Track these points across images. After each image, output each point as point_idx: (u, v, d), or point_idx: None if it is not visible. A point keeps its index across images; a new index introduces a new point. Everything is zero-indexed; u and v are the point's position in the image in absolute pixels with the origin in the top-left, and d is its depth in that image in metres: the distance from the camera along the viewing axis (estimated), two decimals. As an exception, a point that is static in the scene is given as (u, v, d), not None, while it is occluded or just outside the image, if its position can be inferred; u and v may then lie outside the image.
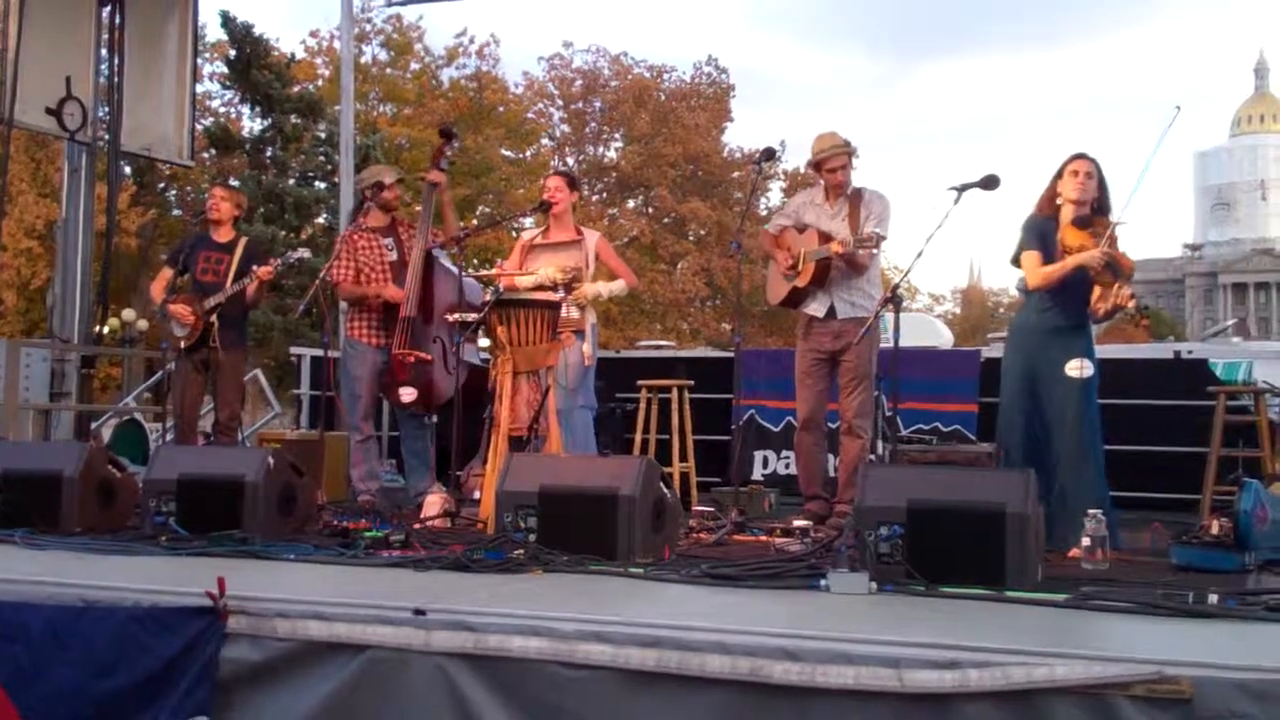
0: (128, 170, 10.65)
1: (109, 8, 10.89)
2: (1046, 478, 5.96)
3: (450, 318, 7.57)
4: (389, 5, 13.51)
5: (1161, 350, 10.38)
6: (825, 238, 7.43)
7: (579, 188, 8.64)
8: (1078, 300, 6.41)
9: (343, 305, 8.81)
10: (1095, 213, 6.40)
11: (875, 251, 7.45)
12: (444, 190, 8.35)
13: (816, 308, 7.55)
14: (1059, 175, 6.48)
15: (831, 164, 7.56)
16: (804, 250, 7.51)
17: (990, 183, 6.60)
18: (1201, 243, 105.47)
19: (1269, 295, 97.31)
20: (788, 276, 7.61)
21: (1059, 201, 6.43)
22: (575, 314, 7.82)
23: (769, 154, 8.38)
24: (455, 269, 8.16)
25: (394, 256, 8.26)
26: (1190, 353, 9.88)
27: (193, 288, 8.37)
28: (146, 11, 11.20)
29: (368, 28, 36.48)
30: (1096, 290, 6.32)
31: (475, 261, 27.31)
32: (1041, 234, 6.49)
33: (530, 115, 43.44)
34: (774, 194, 43.41)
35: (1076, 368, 6.29)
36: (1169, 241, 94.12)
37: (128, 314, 25.89)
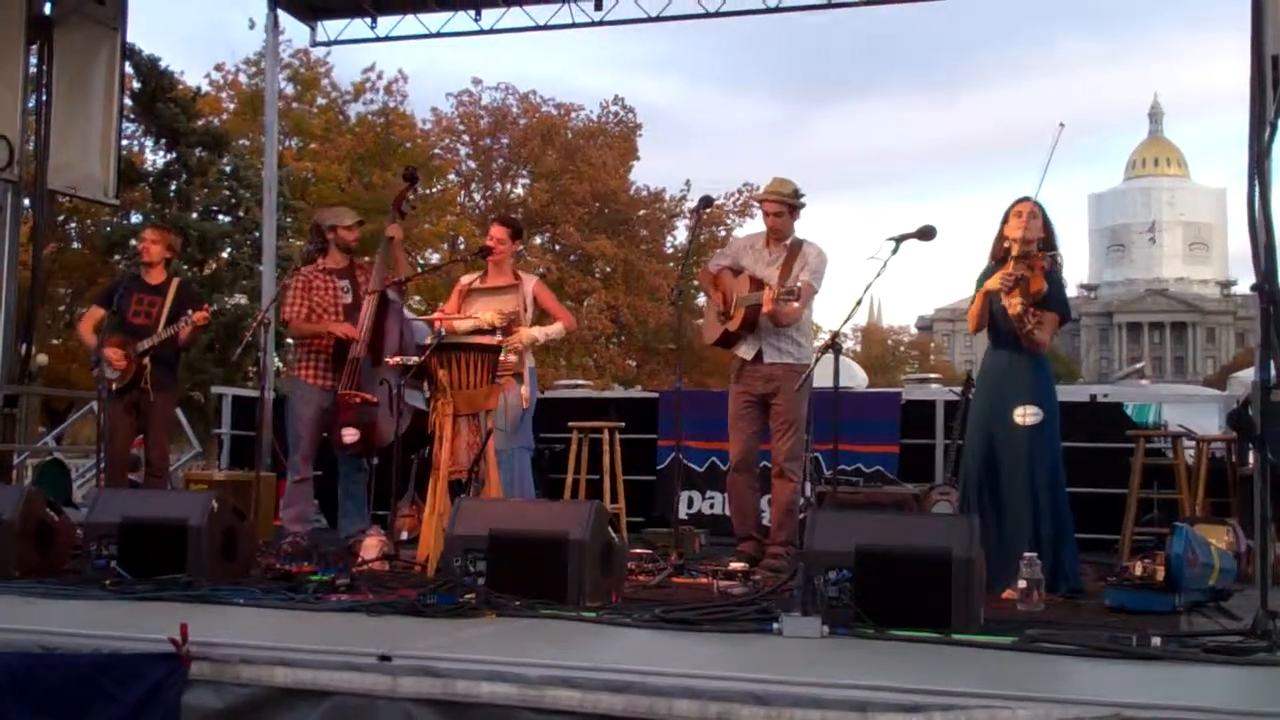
0: (26, 203, 10.54)
1: (36, 46, 10.80)
2: (992, 519, 6.12)
3: (391, 360, 7.60)
4: (313, 45, 13.37)
5: (1078, 394, 10.65)
6: (757, 284, 7.51)
7: (522, 236, 8.71)
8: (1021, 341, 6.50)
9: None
10: (1042, 250, 6.53)
11: (804, 301, 7.53)
12: (398, 242, 8.40)
13: (746, 350, 7.63)
14: (1005, 220, 6.62)
15: (768, 208, 7.68)
16: (736, 295, 7.61)
17: (926, 233, 6.77)
18: (1097, 283, 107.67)
19: (1163, 335, 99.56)
20: (720, 318, 7.72)
21: (1006, 245, 6.57)
22: (513, 359, 7.86)
23: (707, 201, 8.46)
24: (402, 310, 8.21)
25: (349, 299, 8.24)
26: (1105, 396, 10.15)
27: (123, 329, 8.30)
28: (74, 50, 11.08)
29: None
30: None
31: (411, 304, 27.25)
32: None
33: (438, 151, 43.30)
34: (679, 231, 43.71)
35: (1022, 415, 6.41)
36: (1065, 282, 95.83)
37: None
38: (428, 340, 7.23)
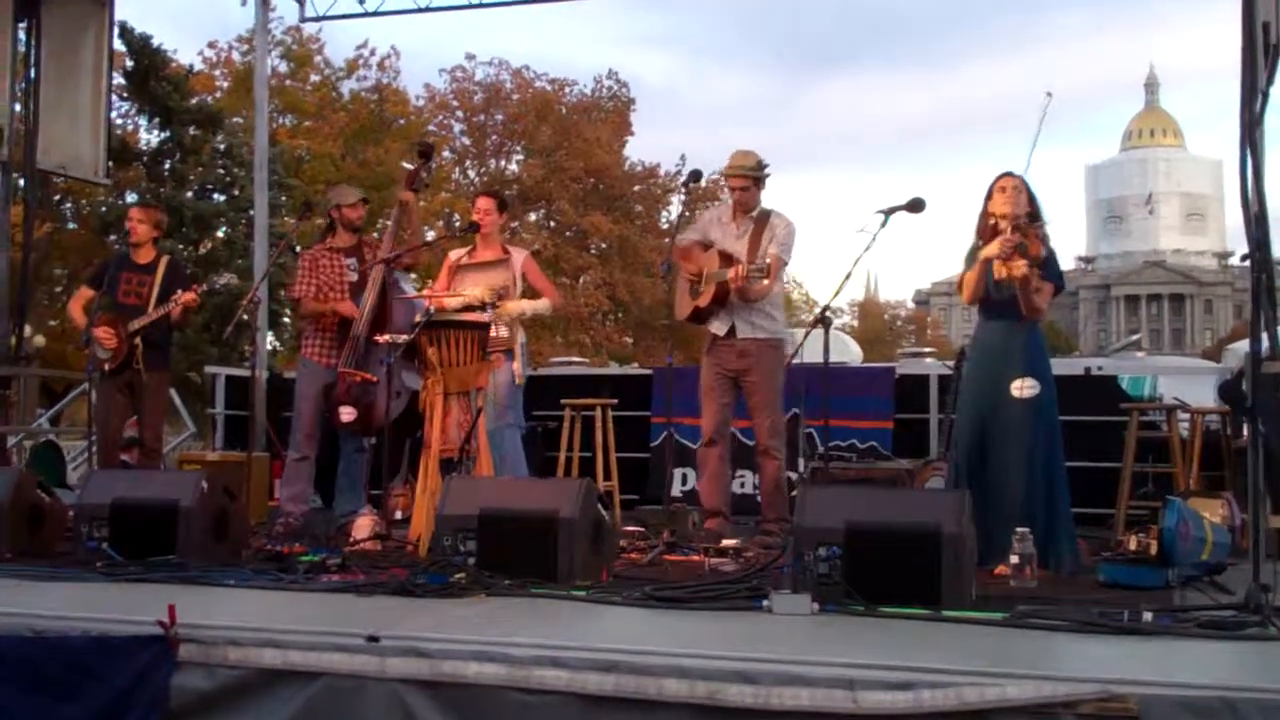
0: (21, 183, 10.55)
1: (25, 23, 10.75)
2: (984, 494, 6.09)
3: (381, 338, 7.58)
4: (302, 21, 13.32)
5: (1073, 366, 10.61)
6: (727, 258, 7.47)
7: (508, 208, 8.68)
8: (1017, 312, 6.44)
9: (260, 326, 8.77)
10: (1030, 222, 6.49)
11: (777, 275, 7.50)
12: (412, 208, 8.40)
13: (718, 326, 7.58)
14: (989, 196, 6.57)
15: (733, 183, 7.66)
16: (706, 270, 7.57)
17: (916, 205, 6.75)
18: (1094, 255, 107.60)
19: (1160, 307, 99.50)
20: (692, 293, 7.68)
21: (992, 221, 6.53)
22: (504, 333, 7.83)
23: (695, 175, 8.44)
24: (410, 293, 8.20)
25: (355, 277, 8.29)
26: (1100, 369, 10.12)
27: (114, 309, 8.26)
28: (63, 28, 11.04)
29: (269, 39, 36.13)
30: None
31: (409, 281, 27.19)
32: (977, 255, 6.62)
33: (431, 128, 43.20)
34: (673, 207, 43.59)
35: (1019, 387, 6.37)
36: (1062, 255, 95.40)
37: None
38: (417, 318, 7.21)
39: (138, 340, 8.11)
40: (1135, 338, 31.43)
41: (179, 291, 8.11)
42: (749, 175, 7.60)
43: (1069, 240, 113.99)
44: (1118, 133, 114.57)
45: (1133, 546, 5.81)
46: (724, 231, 7.68)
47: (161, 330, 8.30)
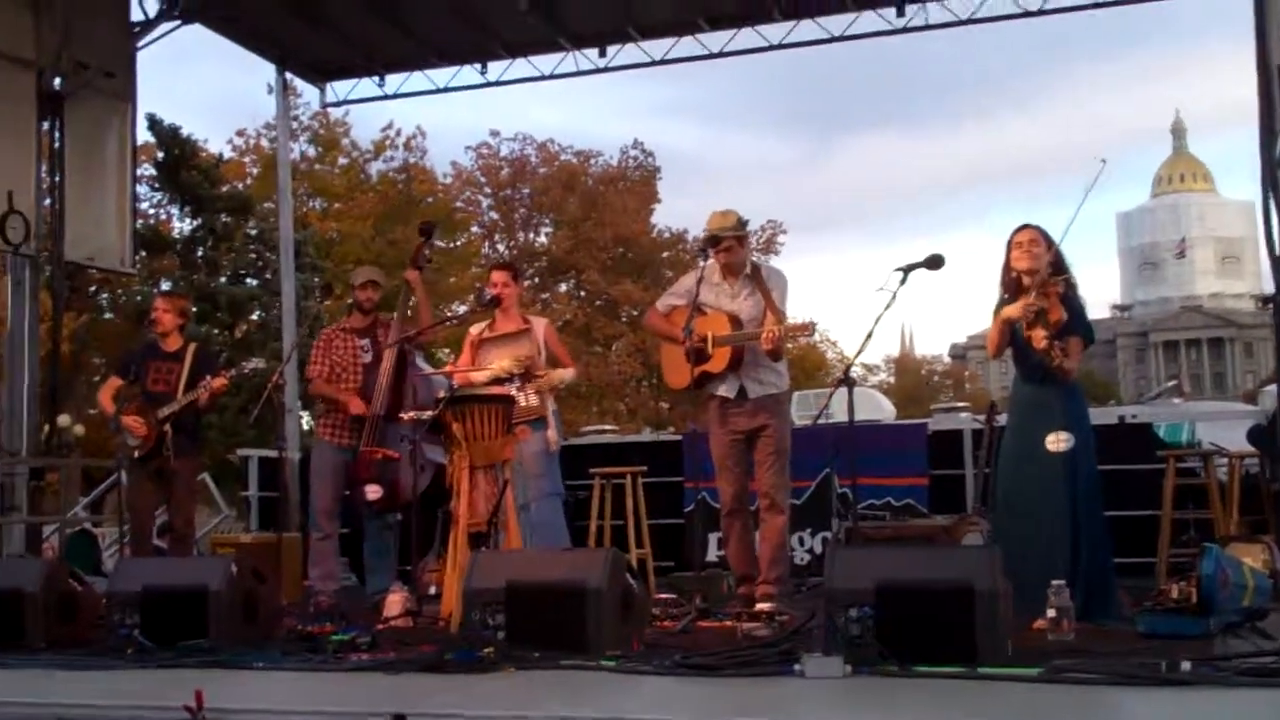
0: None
1: (48, 122, 10.93)
2: (1023, 549, 6.03)
3: (405, 416, 7.58)
4: (324, 106, 13.51)
5: (1107, 415, 10.53)
6: (735, 320, 7.32)
7: (521, 278, 8.70)
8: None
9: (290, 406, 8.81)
10: (1051, 274, 6.46)
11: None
12: (418, 287, 8.44)
13: (727, 389, 7.38)
14: (1009, 249, 6.58)
15: (722, 244, 7.43)
16: (713, 334, 7.32)
17: (935, 262, 6.70)
18: (1130, 303, 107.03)
19: (1200, 352, 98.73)
20: (693, 358, 7.36)
21: (1014, 275, 6.53)
22: (535, 401, 7.80)
23: (713, 241, 8.24)
24: (428, 370, 8.22)
25: (369, 358, 8.34)
26: (1135, 417, 10.04)
27: (143, 397, 8.31)
28: (86, 123, 11.23)
29: (295, 125, 36.41)
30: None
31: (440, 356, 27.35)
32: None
33: (459, 204, 43.52)
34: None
35: (1054, 441, 6.33)
36: (1097, 303, 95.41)
37: (63, 419, 25.51)
38: (441, 393, 7.21)
39: (167, 427, 8.14)
40: (1171, 384, 31.15)
41: (207, 378, 8.15)
42: (732, 236, 7.42)
43: (1104, 288, 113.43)
44: (1147, 179, 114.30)
45: (1174, 595, 5.72)
46: (717, 293, 7.48)
47: (190, 417, 8.33)
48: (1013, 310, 6.42)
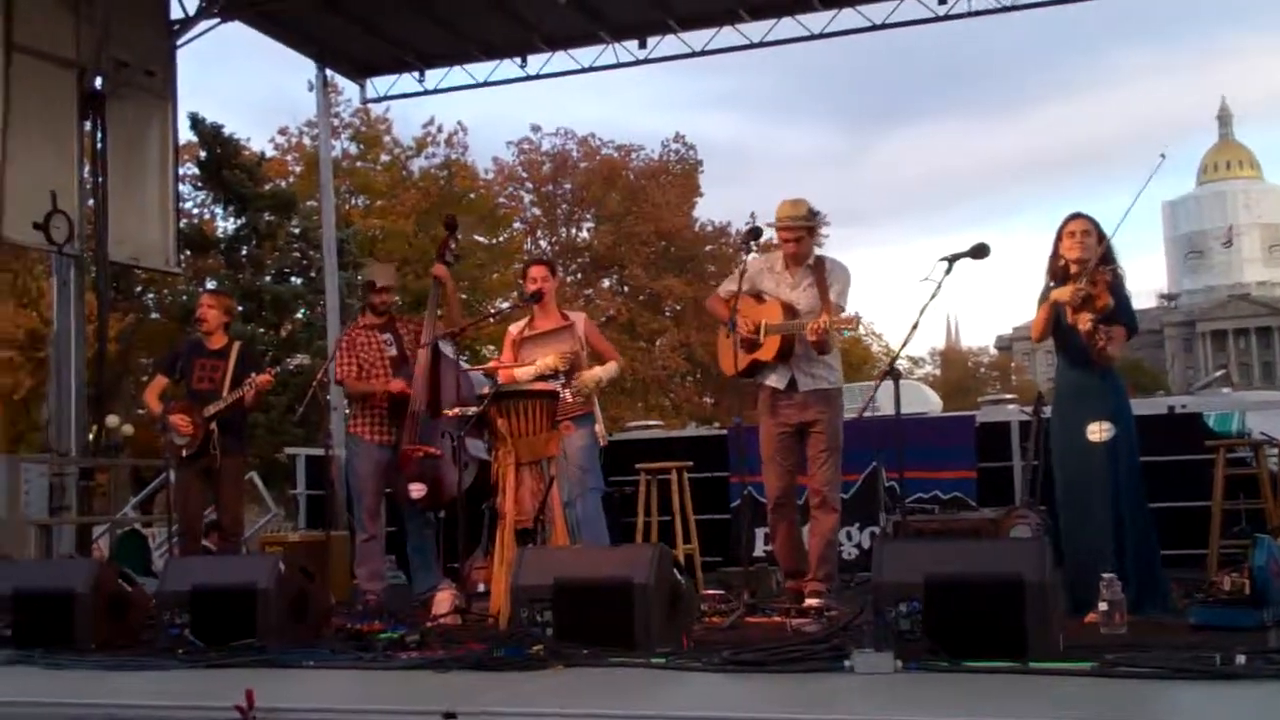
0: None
1: (90, 119, 11.01)
2: (1071, 540, 6.00)
3: (450, 413, 7.57)
4: (364, 103, 13.56)
5: (1156, 406, 10.43)
6: (790, 310, 7.23)
7: (558, 273, 8.67)
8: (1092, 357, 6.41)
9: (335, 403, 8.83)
10: (1100, 264, 6.42)
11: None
12: (448, 281, 8.41)
13: (777, 380, 7.30)
14: (1058, 238, 6.55)
15: (785, 235, 7.33)
16: (766, 322, 7.26)
17: (980, 251, 6.65)
18: (1177, 292, 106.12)
19: (1248, 341, 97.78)
20: (746, 346, 7.34)
21: (1062, 263, 6.50)
22: (580, 396, 7.82)
23: (755, 233, 8.08)
24: (457, 361, 8.21)
25: (393, 351, 8.31)
26: (1184, 407, 9.94)
27: (188, 395, 8.35)
28: (127, 122, 11.33)
29: (336, 123, 36.60)
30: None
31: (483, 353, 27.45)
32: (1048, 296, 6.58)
33: (501, 200, 43.61)
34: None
35: (1095, 431, 6.30)
36: (1144, 293, 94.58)
37: (111, 420, 25.68)
38: (484, 390, 7.20)
39: (213, 425, 8.17)
40: (1220, 373, 30.88)
41: (252, 375, 8.17)
42: (802, 226, 7.32)
43: (1150, 277, 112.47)
44: (1193, 167, 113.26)
45: (1226, 587, 5.66)
46: (778, 281, 7.40)
47: (237, 415, 8.36)
48: (1062, 293, 6.40)
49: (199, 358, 8.46)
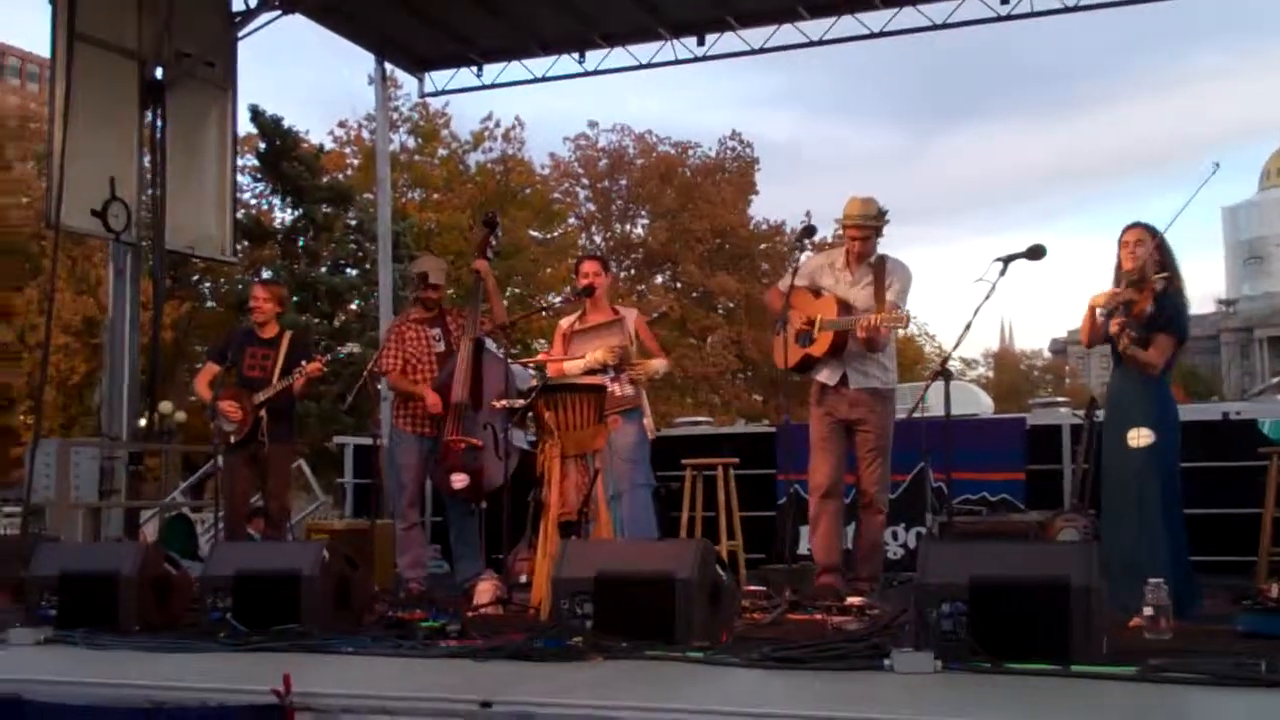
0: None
1: (150, 109, 11.12)
2: (1111, 544, 5.97)
3: (498, 404, 7.59)
4: (422, 97, 13.62)
5: (1209, 412, 10.31)
6: (845, 306, 7.22)
7: (609, 269, 8.68)
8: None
9: (385, 393, 8.86)
10: (1156, 271, 6.38)
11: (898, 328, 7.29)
12: (489, 277, 8.42)
13: (829, 375, 7.31)
14: (1119, 248, 6.55)
15: (852, 233, 7.31)
16: (821, 317, 7.26)
17: (1036, 253, 6.62)
18: (1235, 298, 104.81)
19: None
20: (800, 341, 7.37)
21: (1121, 275, 6.49)
22: (630, 390, 7.82)
23: (809, 231, 8.06)
24: (502, 356, 8.22)
25: (441, 347, 8.33)
26: (1239, 413, 9.81)
27: (239, 382, 8.41)
28: (187, 112, 11.44)
29: (395, 116, 36.77)
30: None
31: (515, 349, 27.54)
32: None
33: (557, 196, 43.73)
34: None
35: (1134, 437, 6.29)
36: (1201, 298, 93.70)
37: (165, 406, 25.86)
38: (531, 383, 7.21)
39: (262, 413, 8.22)
40: (1276, 380, 30.52)
41: (303, 363, 8.23)
42: (868, 224, 7.30)
43: (1208, 283, 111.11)
44: (1255, 173, 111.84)
45: (1274, 594, 5.61)
46: (837, 278, 7.39)
47: (286, 402, 8.42)
48: (1098, 298, 6.46)
49: (250, 346, 8.53)
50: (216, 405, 8.31)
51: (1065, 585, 4.75)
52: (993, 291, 6.57)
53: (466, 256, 33.73)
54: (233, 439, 8.30)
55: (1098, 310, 6.49)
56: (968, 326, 6.96)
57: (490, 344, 8.27)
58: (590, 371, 7.61)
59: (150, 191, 11.17)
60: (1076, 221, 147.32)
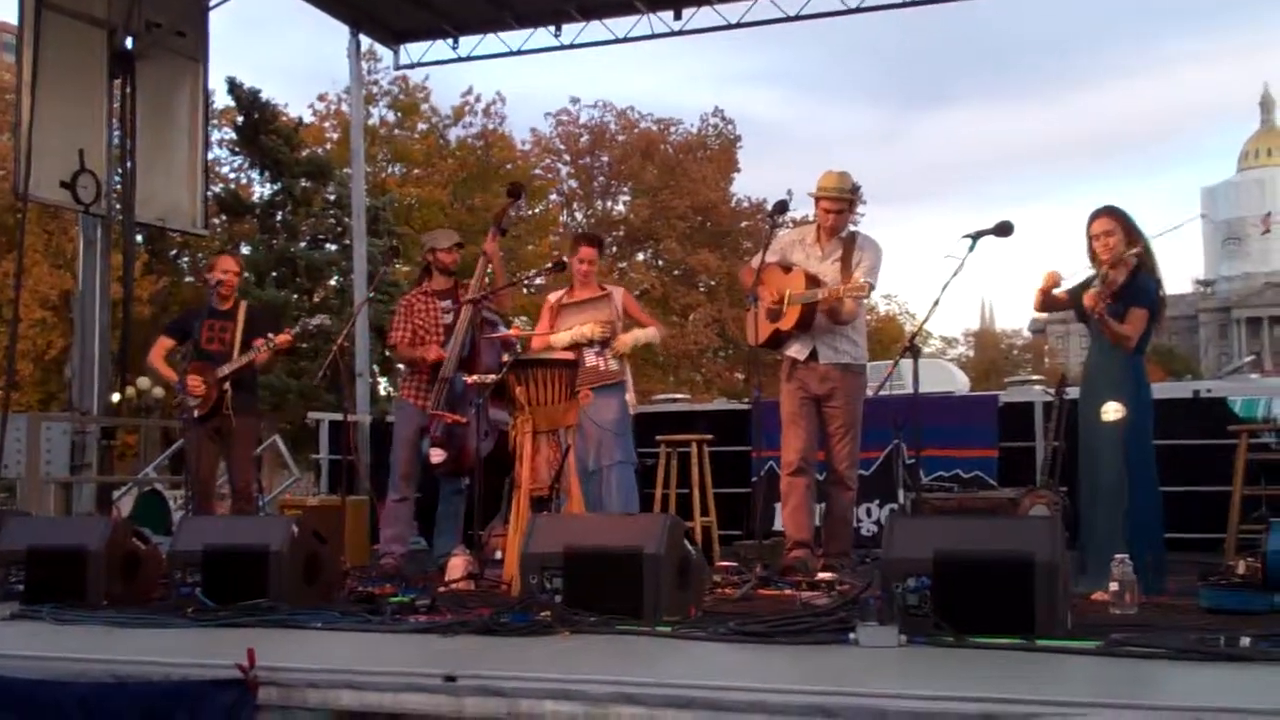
0: (139, 239, 10.92)
1: (119, 80, 11.03)
2: (1085, 519, 6.01)
3: (468, 379, 7.59)
4: (397, 69, 13.54)
5: (1180, 390, 10.34)
6: (813, 280, 7.24)
7: (604, 247, 8.71)
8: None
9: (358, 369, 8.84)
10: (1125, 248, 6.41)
11: (863, 300, 7.30)
12: (495, 257, 8.44)
13: (799, 350, 7.35)
14: (1088, 239, 6.57)
15: (827, 205, 7.33)
16: (789, 292, 7.29)
17: (1004, 229, 6.62)
18: (1213, 278, 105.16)
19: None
20: (770, 316, 7.40)
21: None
22: (615, 366, 7.87)
23: (782, 207, 8.07)
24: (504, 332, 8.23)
25: (449, 319, 8.35)
26: (1209, 391, 9.84)
27: (197, 356, 8.32)
28: (157, 82, 11.35)
29: (375, 90, 36.70)
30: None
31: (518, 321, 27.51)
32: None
33: (538, 171, 43.64)
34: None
35: (1107, 411, 6.29)
36: (1180, 278, 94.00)
37: (143, 382, 25.81)
38: (504, 358, 7.21)
39: (227, 386, 8.16)
40: (1250, 359, 30.65)
41: (270, 335, 8.17)
42: (843, 198, 7.34)
43: (1187, 263, 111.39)
44: (1233, 154, 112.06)
45: (1241, 571, 5.66)
46: (807, 254, 7.43)
47: (249, 375, 8.36)
48: (1045, 277, 6.67)
49: (207, 318, 8.41)
50: (184, 380, 8.24)
51: (1030, 560, 4.76)
52: (961, 267, 6.59)
53: (432, 230, 33.70)
54: (196, 413, 8.22)
55: (1055, 288, 6.61)
56: (936, 302, 6.97)
57: (499, 323, 8.29)
58: (578, 345, 7.63)
59: (122, 163, 11.09)
60: (1057, 201, 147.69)
